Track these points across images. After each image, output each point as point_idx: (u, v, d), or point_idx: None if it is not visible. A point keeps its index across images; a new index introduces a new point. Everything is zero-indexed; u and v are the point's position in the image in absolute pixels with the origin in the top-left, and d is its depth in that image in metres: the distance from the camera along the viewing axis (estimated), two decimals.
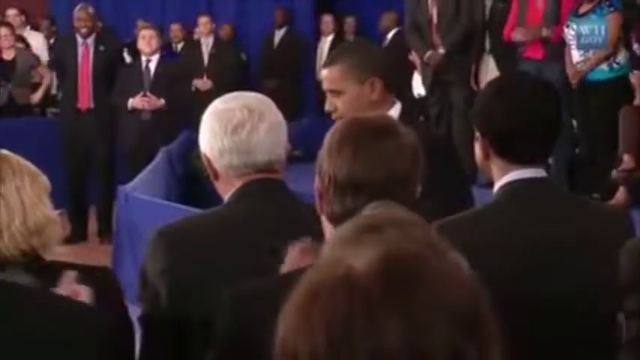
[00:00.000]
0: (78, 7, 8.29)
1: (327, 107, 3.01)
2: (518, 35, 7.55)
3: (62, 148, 8.23)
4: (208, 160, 2.29)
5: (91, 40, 8.13)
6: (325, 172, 1.92)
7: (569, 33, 7.19)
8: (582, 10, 7.17)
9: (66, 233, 7.61)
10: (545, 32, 7.41)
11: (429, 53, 8.03)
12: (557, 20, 7.42)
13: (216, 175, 2.30)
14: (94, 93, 8.10)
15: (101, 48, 8.16)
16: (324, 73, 3.01)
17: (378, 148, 1.90)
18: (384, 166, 1.89)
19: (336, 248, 1.36)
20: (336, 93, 2.96)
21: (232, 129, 2.24)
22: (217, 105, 2.30)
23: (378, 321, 1.00)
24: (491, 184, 2.39)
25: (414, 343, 0.99)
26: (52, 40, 11.05)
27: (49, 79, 9.72)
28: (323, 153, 1.95)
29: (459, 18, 7.92)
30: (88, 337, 1.77)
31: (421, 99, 9.07)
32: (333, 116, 2.96)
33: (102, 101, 8.09)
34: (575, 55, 7.16)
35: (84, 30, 8.08)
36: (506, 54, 7.79)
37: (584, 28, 7.11)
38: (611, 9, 7.09)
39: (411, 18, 8.30)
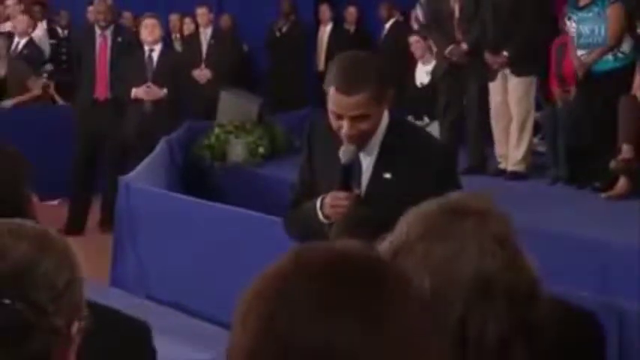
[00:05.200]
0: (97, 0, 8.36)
1: (349, 131, 2.87)
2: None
3: (75, 137, 8.22)
4: None
5: (109, 32, 8.18)
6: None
7: (571, 26, 7.16)
8: (582, 1, 7.13)
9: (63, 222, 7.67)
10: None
11: (450, 47, 8.01)
12: None
13: None
14: (110, 83, 8.15)
15: (119, 39, 8.21)
16: (345, 101, 2.85)
17: None
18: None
19: (415, 225, 1.44)
20: (363, 117, 2.87)
21: None
22: None
23: (303, 320, 0.99)
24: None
25: (332, 344, 0.98)
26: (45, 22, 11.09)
27: (38, 91, 9.75)
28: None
29: (477, 14, 7.84)
30: None
31: (424, 88, 9.07)
32: (352, 139, 2.89)
33: None
34: (578, 51, 7.15)
35: (102, 22, 8.15)
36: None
37: (585, 29, 7.07)
38: (612, 0, 7.05)
39: (432, 9, 8.28)
